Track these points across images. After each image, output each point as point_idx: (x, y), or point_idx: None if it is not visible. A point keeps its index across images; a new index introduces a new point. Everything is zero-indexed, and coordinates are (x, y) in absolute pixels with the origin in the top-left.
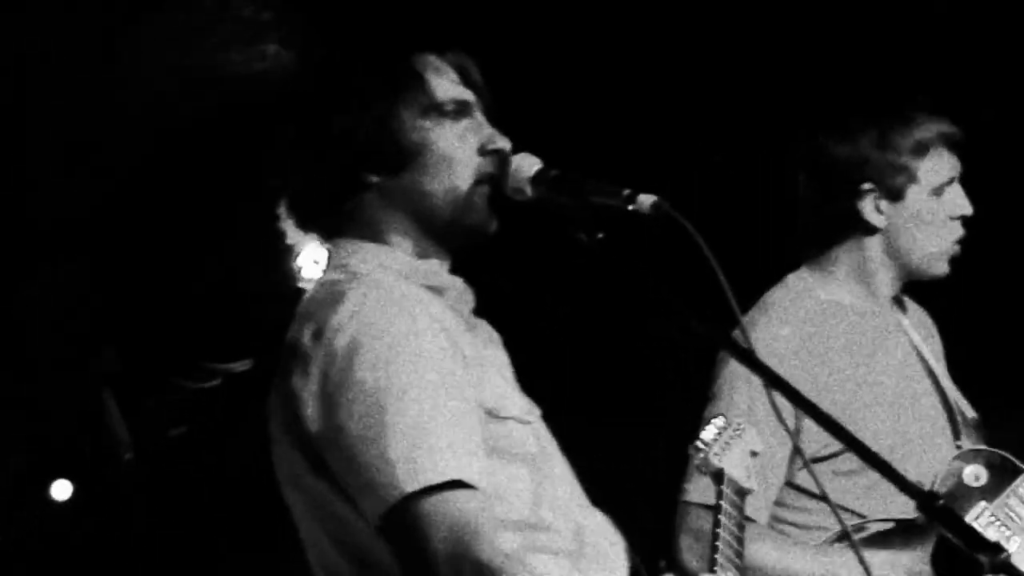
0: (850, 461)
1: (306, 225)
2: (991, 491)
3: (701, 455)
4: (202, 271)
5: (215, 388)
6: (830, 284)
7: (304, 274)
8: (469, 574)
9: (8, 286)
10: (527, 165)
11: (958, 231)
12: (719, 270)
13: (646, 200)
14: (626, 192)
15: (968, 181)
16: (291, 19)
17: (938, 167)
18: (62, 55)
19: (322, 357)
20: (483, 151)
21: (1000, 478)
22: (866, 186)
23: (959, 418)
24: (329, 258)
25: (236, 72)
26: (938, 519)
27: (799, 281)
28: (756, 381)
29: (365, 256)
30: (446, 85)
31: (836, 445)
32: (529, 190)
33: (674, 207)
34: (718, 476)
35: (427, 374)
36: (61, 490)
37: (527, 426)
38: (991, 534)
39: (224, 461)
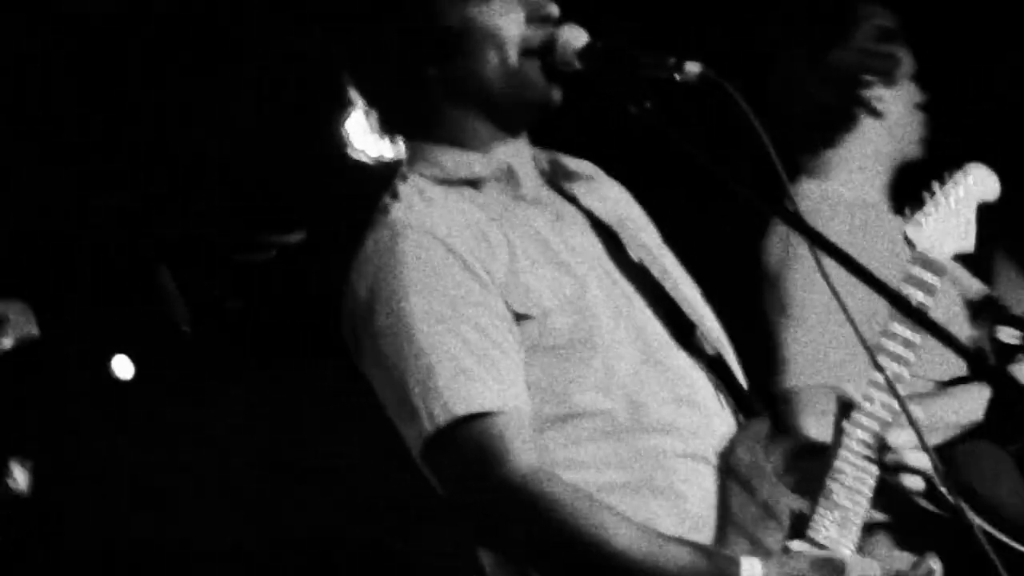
0: None
1: (389, 128)
2: None
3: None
4: (249, 139)
5: (270, 261)
6: (846, 181)
7: (354, 141)
8: (497, 499)
9: None
10: (574, 37)
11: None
12: (767, 139)
13: (693, 68)
14: (672, 60)
15: None
16: None
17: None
18: None
19: (350, 307)
20: (531, 18)
21: None
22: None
23: None
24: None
25: None
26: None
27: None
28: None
29: (412, 162)
30: None
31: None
32: (577, 63)
33: (721, 75)
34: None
35: (438, 309)
36: (122, 367)
37: (565, 312)
38: None
39: (282, 333)
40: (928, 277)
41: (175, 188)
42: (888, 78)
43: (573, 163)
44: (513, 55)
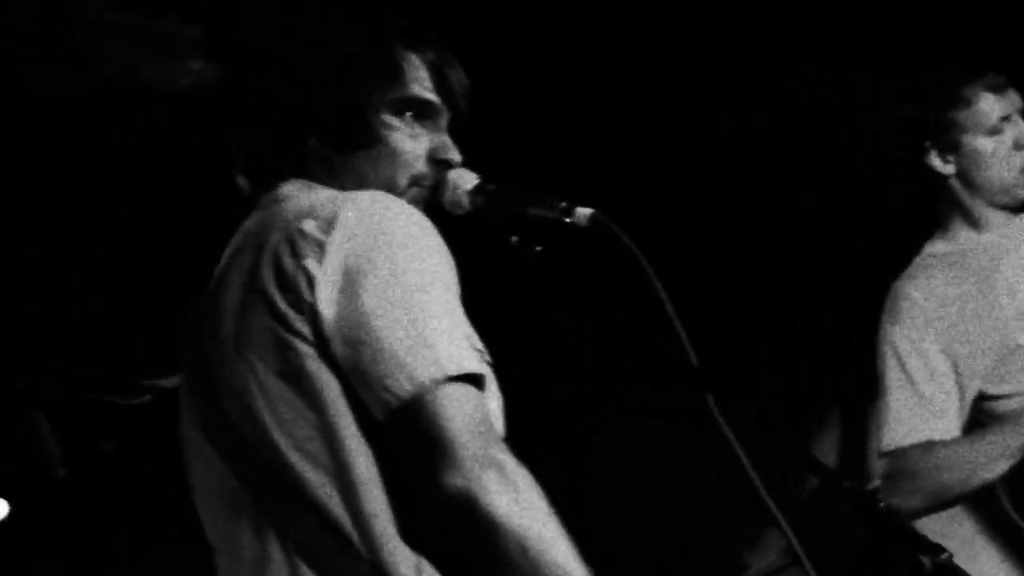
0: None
1: (254, 182)
2: None
3: None
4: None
5: (145, 404)
6: (942, 237)
7: None
8: (486, 466)
9: None
10: (465, 179)
11: (1020, 160)
12: (658, 285)
13: (583, 213)
14: (563, 204)
15: None
16: (219, 33)
17: (986, 111)
18: None
19: (340, 241)
20: (432, 157)
21: None
22: (927, 143)
23: None
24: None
25: (158, 87)
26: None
27: (926, 245)
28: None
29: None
30: (420, 85)
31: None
32: (466, 202)
33: (613, 219)
34: None
35: (445, 272)
36: None
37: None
38: None
39: (155, 476)
40: None
41: (45, 331)
42: (945, 145)
43: None
44: (403, 179)
